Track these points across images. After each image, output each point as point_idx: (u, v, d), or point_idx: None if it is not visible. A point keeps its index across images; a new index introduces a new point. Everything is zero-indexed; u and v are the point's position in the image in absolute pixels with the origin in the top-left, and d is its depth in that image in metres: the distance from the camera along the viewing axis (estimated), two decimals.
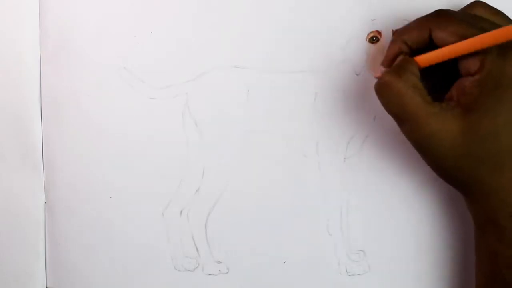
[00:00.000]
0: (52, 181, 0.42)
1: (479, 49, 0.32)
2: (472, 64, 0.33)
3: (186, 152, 0.41)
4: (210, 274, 0.41)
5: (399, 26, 0.38)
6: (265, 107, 0.41)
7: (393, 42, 0.36)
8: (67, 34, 0.41)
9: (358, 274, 0.41)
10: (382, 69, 0.37)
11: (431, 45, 0.35)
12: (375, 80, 0.39)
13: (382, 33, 0.39)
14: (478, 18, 0.35)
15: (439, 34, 0.34)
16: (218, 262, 0.41)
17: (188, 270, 0.41)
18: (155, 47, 0.41)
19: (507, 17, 0.36)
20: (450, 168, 0.35)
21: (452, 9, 0.35)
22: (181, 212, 0.41)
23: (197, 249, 0.41)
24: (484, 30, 0.33)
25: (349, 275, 0.41)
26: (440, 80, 0.36)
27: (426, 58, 0.34)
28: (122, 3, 0.41)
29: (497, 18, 0.35)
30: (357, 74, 0.40)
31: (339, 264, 0.41)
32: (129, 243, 0.41)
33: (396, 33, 0.36)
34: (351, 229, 0.41)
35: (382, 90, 0.35)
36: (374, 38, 0.39)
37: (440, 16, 0.34)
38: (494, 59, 0.33)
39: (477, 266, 0.37)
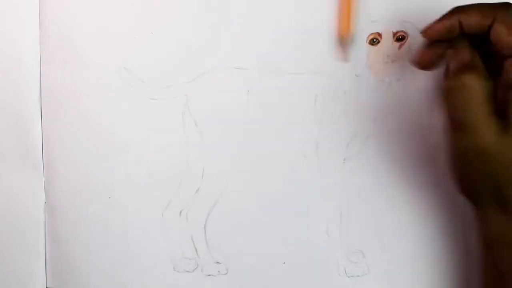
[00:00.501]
0: (52, 181, 0.42)
1: None
2: None
3: (186, 152, 0.41)
4: (209, 275, 0.41)
5: (400, 28, 0.39)
6: (265, 108, 0.41)
7: (447, 17, 0.33)
8: (67, 34, 0.41)
9: (357, 276, 0.41)
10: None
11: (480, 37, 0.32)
12: (376, 82, 0.39)
13: (382, 35, 0.39)
14: None
15: (500, 28, 0.31)
16: (217, 263, 0.41)
17: (187, 271, 0.41)
18: (155, 47, 0.41)
19: None
20: (478, 187, 0.33)
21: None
22: (180, 212, 0.41)
23: (196, 250, 0.41)
24: None
25: (348, 277, 0.41)
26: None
27: None
28: (122, 3, 0.41)
29: None
30: (357, 76, 0.40)
31: (338, 265, 0.41)
32: (129, 244, 0.41)
33: (455, 10, 0.33)
34: (350, 230, 0.41)
35: (456, 92, 0.32)
36: (374, 40, 0.39)
37: (509, 9, 0.32)
38: None
39: (486, 281, 0.36)
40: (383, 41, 0.39)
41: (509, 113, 0.32)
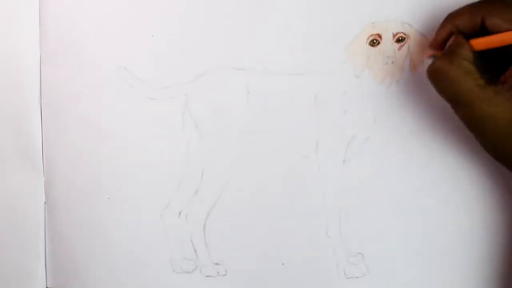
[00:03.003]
0: (52, 181, 0.42)
1: None
2: None
3: (186, 153, 0.41)
4: (208, 276, 0.41)
5: (400, 29, 0.38)
6: (265, 109, 0.41)
7: (443, 25, 0.36)
8: (67, 34, 0.41)
9: (357, 277, 0.41)
10: (430, 51, 0.37)
11: (481, 31, 0.34)
12: (376, 83, 0.39)
13: (382, 36, 0.39)
14: None
15: (493, 21, 0.33)
16: (217, 264, 0.41)
17: (186, 272, 0.41)
18: (155, 47, 0.41)
19: None
20: (503, 153, 0.35)
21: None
22: (179, 213, 0.41)
23: (195, 250, 0.41)
24: None
25: (348, 278, 0.41)
26: (496, 60, 0.35)
27: (482, 42, 0.34)
28: (122, 3, 0.41)
29: None
30: (357, 76, 0.40)
31: (337, 267, 0.41)
32: (128, 244, 0.41)
33: (448, 17, 0.36)
34: (349, 231, 0.41)
35: (435, 75, 0.35)
36: (375, 41, 0.39)
37: (494, 2, 0.34)
38: None
39: None
40: (383, 42, 0.39)
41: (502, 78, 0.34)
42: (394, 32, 0.38)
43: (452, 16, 0.35)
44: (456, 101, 0.34)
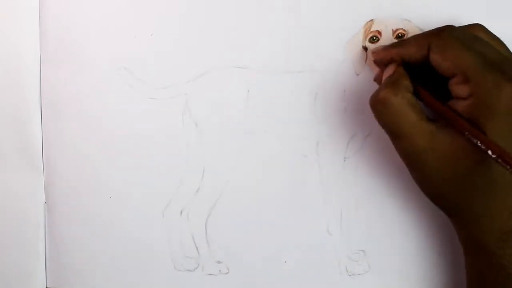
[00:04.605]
0: (52, 181, 0.42)
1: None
2: (462, 90, 0.33)
3: (186, 152, 0.41)
4: (210, 274, 0.41)
5: (399, 26, 0.39)
6: (265, 107, 0.41)
7: (391, 48, 0.36)
8: (67, 34, 0.41)
9: (359, 274, 0.41)
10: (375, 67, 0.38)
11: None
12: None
13: (382, 33, 0.39)
14: (477, 40, 0.34)
15: (434, 56, 0.33)
16: (218, 262, 0.41)
17: (188, 270, 0.41)
18: (155, 47, 0.41)
19: (504, 44, 0.36)
20: (437, 189, 0.35)
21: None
22: (181, 212, 0.41)
23: (197, 249, 0.41)
24: (480, 54, 0.32)
25: (350, 275, 0.41)
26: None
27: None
28: (122, 3, 0.41)
29: (495, 43, 0.35)
30: (357, 74, 0.40)
31: (339, 264, 0.41)
32: (129, 243, 0.41)
33: (397, 44, 0.36)
34: (351, 228, 0.41)
35: (378, 106, 0.35)
36: (374, 37, 0.39)
37: (441, 36, 0.34)
38: (487, 86, 0.32)
39: (468, 286, 0.36)
40: (382, 39, 0.39)
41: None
42: (394, 29, 0.39)
43: (401, 45, 0.36)
44: (397, 133, 0.34)
